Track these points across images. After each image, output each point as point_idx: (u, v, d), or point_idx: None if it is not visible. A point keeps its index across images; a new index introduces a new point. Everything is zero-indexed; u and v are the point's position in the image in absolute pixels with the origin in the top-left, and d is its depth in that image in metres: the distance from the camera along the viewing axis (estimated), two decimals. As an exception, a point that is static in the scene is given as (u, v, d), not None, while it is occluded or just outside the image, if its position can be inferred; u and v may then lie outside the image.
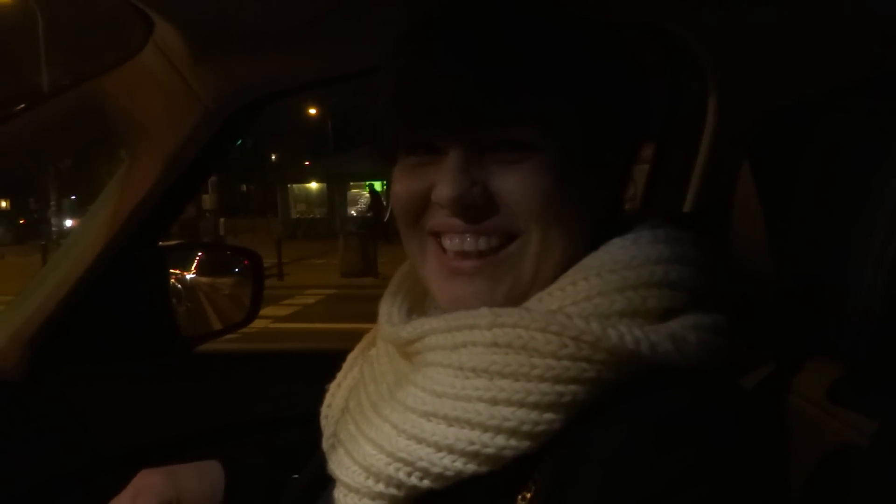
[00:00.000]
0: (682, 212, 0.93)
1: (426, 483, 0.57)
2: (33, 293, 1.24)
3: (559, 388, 0.54)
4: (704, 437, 0.53)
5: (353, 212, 25.30)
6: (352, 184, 25.87)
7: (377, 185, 24.94)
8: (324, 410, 0.76)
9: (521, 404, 0.54)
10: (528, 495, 0.55)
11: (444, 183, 0.59)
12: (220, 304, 1.52)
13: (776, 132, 0.81)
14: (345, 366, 0.78)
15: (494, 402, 0.55)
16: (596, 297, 0.57)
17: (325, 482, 0.73)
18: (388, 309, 0.69)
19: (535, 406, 0.54)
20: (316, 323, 8.59)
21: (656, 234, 0.60)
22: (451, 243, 0.62)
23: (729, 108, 0.87)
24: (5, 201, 39.78)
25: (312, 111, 39.68)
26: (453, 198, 0.58)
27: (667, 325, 0.56)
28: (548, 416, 0.54)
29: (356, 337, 0.80)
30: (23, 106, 1.02)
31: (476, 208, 0.59)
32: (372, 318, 0.87)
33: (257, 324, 1.55)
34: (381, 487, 0.58)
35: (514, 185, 0.58)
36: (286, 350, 1.63)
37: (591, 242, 0.61)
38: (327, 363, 0.80)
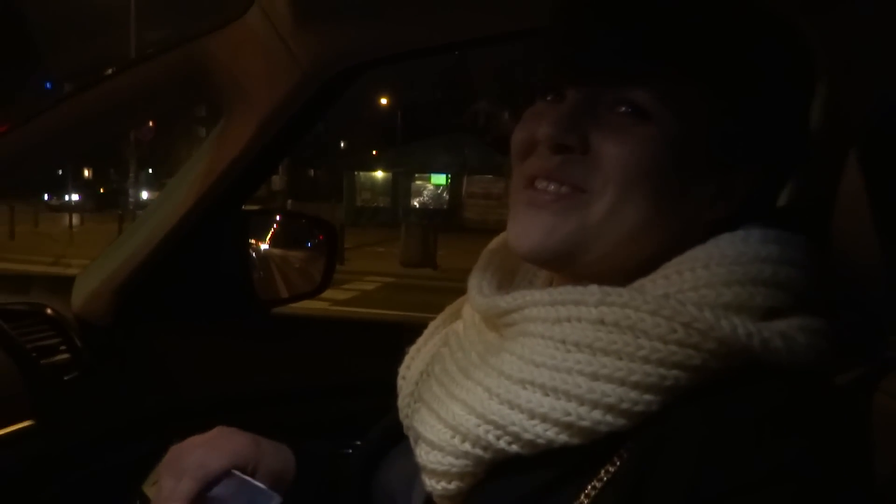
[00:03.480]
0: (777, 207, 0.89)
1: (514, 448, 0.57)
2: (124, 244, 1.29)
3: (662, 370, 0.54)
4: (805, 434, 0.52)
5: (415, 203, 25.48)
6: (417, 175, 26.04)
7: (441, 179, 25.06)
8: (402, 371, 0.77)
9: (622, 382, 0.54)
10: (612, 470, 0.55)
11: (547, 122, 0.61)
12: (292, 272, 1.55)
13: (888, 122, 0.77)
14: (426, 332, 0.78)
15: (595, 377, 0.55)
16: (703, 288, 0.56)
17: (397, 439, 0.74)
18: (478, 282, 0.70)
19: (636, 386, 0.54)
20: (374, 309, 8.70)
21: (767, 233, 0.59)
22: (538, 183, 0.63)
23: (837, 96, 0.83)
24: (88, 170, 41.66)
25: (384, 101, 40.09)
26: (548, 135, 0.60)
27: (775, 323, 0.55)
28: (647, 396, 0.54)
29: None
30: (131, 60, 1.06)
31: (567, 152, 0.60)
32: (429, 308, 0.87)
33: (317, 305, 1.57)
34: (467, 447, 0.58)
35: (611, 146, 0.59)
36: (362, 318, 1.65)
37: (694, 237, 0.60)
38: (398, 333, 0.80)
